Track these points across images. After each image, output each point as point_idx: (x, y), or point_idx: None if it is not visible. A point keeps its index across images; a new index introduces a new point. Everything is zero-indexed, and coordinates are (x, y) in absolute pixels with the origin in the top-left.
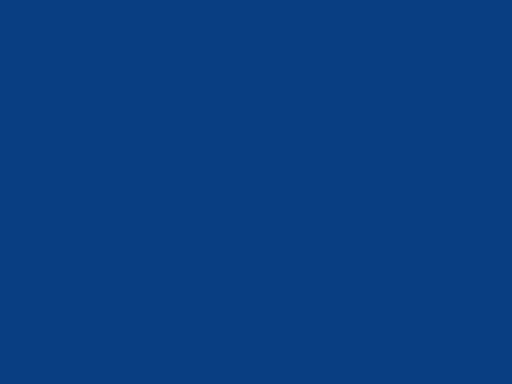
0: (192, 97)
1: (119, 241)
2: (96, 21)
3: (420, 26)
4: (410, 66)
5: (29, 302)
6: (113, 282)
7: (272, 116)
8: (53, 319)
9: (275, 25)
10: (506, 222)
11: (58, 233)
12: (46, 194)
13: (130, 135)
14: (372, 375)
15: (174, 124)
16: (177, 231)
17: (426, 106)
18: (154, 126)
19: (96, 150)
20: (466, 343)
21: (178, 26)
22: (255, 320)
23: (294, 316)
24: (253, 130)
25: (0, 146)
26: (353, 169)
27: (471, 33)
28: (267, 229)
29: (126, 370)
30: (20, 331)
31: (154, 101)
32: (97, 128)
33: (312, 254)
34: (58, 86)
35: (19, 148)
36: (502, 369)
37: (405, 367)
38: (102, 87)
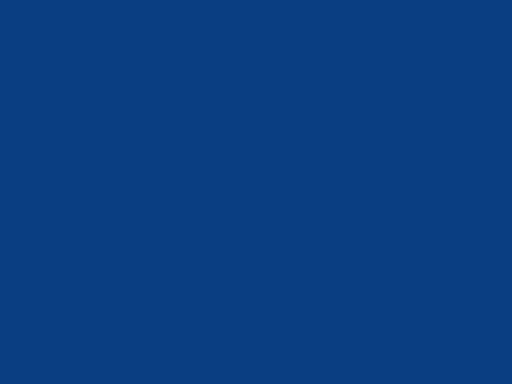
0: (192, 97)
1: (119, 241)
2: (96, 21)
3: (420, 26)
4: (410, 65)
5: (29, 302)
6: (113, 282)
7: (272, 116)
8: (53, 319)
9: (275, 25)
10: (506, 222)
11: (58, 233)
12: (46, 194)
13: (130, 135)
14: (372, 375)
15: (174, 124)
16: (177, 231)
17: (426, 106)
18: (154, 126)
19: (96, 149)
20: (466, 343)
21: (178, 26)
22: (255, 320)
23: (294, 316)
24: (253, 130)
25: (0, 146)
26: (353, 169)
27: (471, 33)
28: (267, 229)
29: (126, 370)
30: (20, 331)
31: (154, 101)
32: (97, 128)
33: (312, 253)
34: (58, 86)
35: (19, 148)
36: (502, 369)
37: (405, 367)
38: (102, 87)
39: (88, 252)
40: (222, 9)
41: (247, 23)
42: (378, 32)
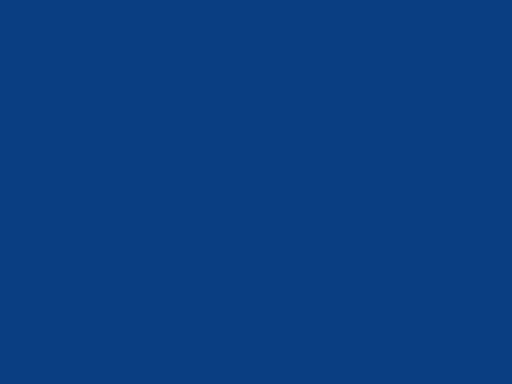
0: (192, 97)
1: (119, 241)
2: (96, 21)
3: (420, 26)
4: (410, 65)
5: (29, 302)
6: (113, 282)
7: (272, 116)
8: (53, 319)
9: (275, 25)
10: (506, 222)
11: (58, 233)
12: (46, 194)
13: (130, 135)
14: (372, 375)
15: (174, 124)
16: (177, 231)
17: (426, 106)
18: (154, 126)
19: (96, 150)
20: (466, 343)
21: (178, 26)
22: (255, 320)
23: (294, 316)
24: (253, 130)
25: (0, 146)
26: (353, 169)
27: (471, 33)
28: (267, 229)
29: (126, 370)
30: (20, 331)
31: (154, 101)
32: (97, 128)
33: (312, 253)
34: (58, 86)
35: (19, 148)
36: (502, 369)
37: (405, 367)
38: (102, 87)
39: (88, 252)
40: (222, 9)
41: (247, 23)
42: (378, 32)
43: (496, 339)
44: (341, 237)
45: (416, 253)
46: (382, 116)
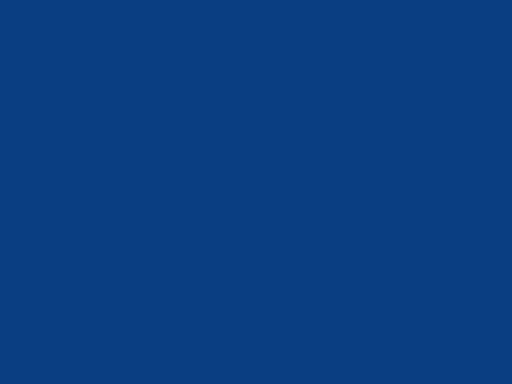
0: (192, 97)
1: (119, 241)
2: (96, 21)
3: (420, 26)
4: (410, 66)
5: (29, 302)
6: (113, 282)
7: (272, 116)
8: (53, 319)
9: (275, 25)
10: (506, 222)
11: (58, 233)
12: (46, 194)
13: (130, 135)
14: (372, 375)
15: (174, 124)
16: (177, 231)
17: (426, 106)
18: (154, 126)
19: (96, 150)
20: (466, 343)
21: (178, 26)
22: (255, 320)
23: (294, 316)
24: (253, 130)
25: (0, 146)
26: (353, 169)
27: (471, 33)
28: (267, 229)
29: (126, 370)
30: (20, 331)
31: (154, 101)
32: (97, 128)
33: (312, 254)
34: (58, 86)
35: (19, 148)
36: (502, 369)
37: (405, 367)
38: (102, 87)
39: (88, 252)
40: (222, 9)
41: (247, 23)
42: (378, 32)
43: (496, 339)
44: (341, 237)
45: (416, 253)
46: (382, 116)
